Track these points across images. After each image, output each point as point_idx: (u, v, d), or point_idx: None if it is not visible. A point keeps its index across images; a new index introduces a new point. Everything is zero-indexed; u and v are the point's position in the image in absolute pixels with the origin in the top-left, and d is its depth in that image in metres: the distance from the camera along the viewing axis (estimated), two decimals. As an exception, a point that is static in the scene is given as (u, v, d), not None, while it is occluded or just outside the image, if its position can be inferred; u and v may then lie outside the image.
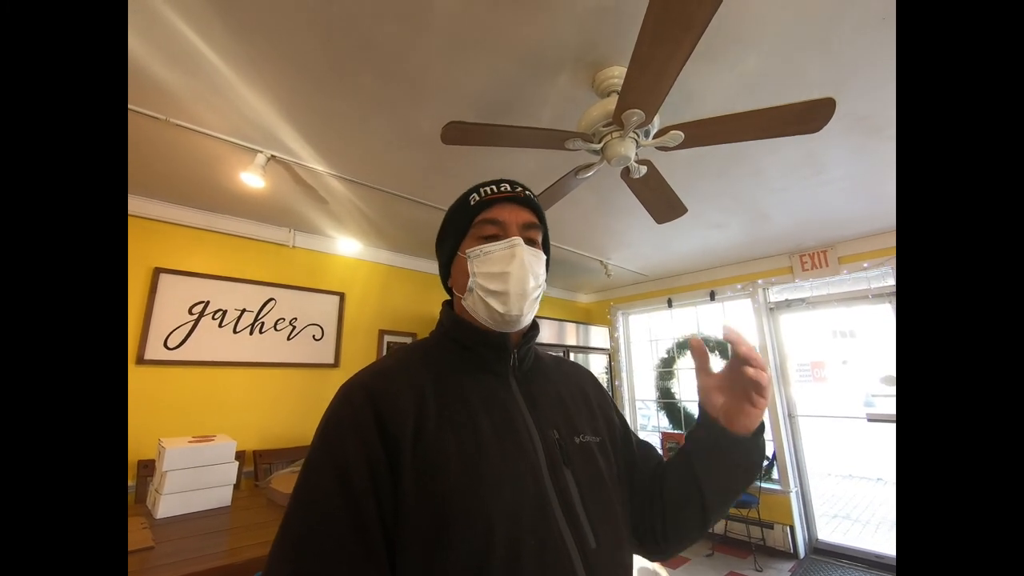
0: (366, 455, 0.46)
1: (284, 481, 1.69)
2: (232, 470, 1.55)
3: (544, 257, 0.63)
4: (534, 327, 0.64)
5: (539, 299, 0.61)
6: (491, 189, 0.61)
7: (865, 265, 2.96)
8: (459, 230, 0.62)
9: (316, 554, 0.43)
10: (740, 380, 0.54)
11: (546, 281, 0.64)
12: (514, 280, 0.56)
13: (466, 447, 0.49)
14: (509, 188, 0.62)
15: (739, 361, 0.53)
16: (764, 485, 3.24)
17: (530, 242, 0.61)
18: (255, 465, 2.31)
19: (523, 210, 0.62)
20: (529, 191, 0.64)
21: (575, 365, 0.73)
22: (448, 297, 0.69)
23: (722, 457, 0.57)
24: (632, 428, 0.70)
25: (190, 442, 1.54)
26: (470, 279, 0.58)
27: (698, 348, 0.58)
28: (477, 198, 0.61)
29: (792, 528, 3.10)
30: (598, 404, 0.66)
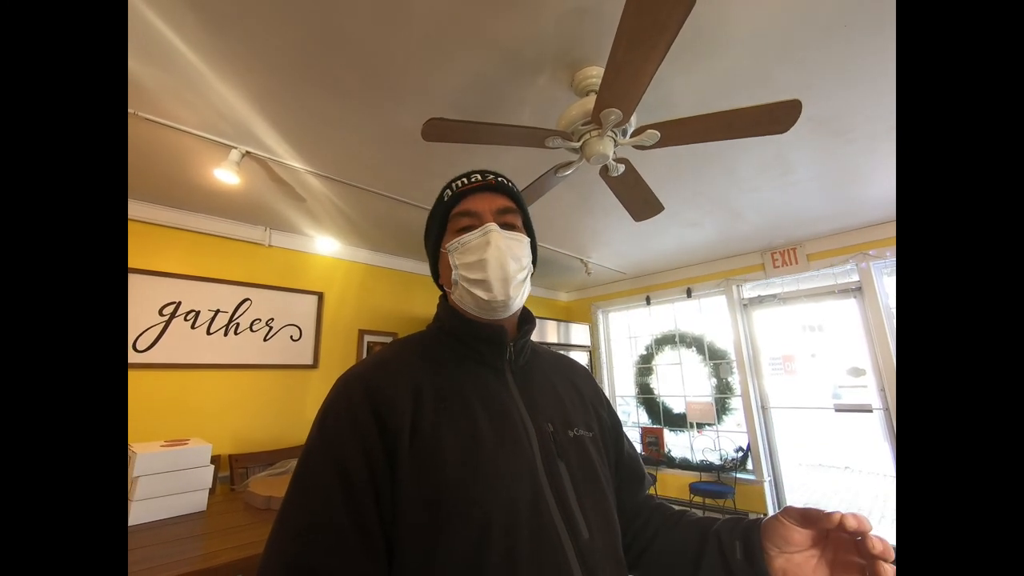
0: (364, 449, 0.46)
1: (262, 484, 1.66)
2: (207, 474, 1.51)
3: (527, 240, 0.62)
4: (530, 320, 0.64)
5: (526, 282, 0.60)
6: (463, 182, 0.61)
7: (832, 262, 3.10)
8: (439, 227, 0.62)
9: (315, 547, 0.43)
10: (849, 554, 0.45)
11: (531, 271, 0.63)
12: (492, 266, 0.55)
13: (463, 440, 0.49)
14: (480, 178, 0.61)
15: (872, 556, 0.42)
16: (739, 476, 3.34)
17: (507, 226, 0.59)
18: (231, 469, 2.24)
19: (497, 196, 0.61)
20: (503, 177, 0.63)
21: (571, 360, 0.73)
22: (443, 293, 0.68)
23: None
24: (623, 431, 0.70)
25: (162, 446, 1.50)
26: (453, 272, 0.58)
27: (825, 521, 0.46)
28: (450, 193, 0.61)
29: (766, 516, 3.20)
30: (590, 400, 0.66)
